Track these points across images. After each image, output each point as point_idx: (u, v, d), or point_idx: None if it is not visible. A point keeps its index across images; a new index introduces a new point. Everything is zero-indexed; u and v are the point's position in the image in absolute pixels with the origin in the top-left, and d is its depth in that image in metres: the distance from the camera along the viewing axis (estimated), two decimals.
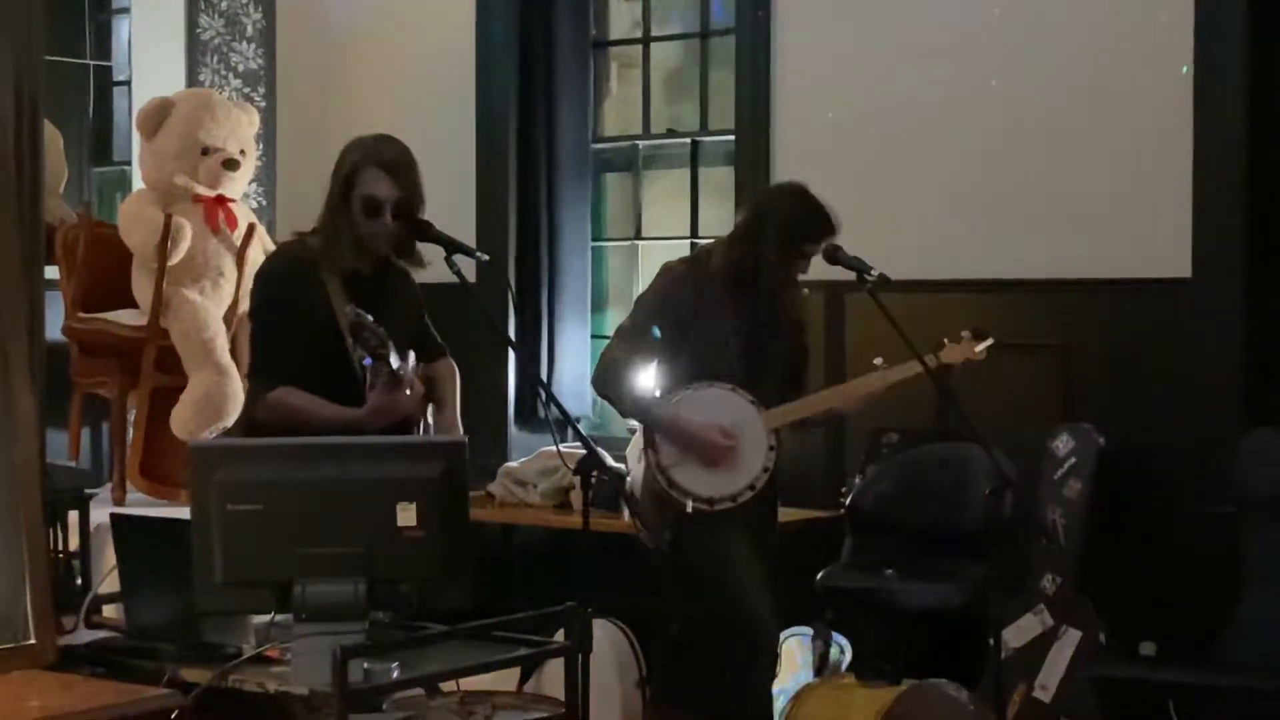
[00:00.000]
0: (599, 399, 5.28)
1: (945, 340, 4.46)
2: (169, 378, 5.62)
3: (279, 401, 3.83)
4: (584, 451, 3.95)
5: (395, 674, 3.14)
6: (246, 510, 3.10)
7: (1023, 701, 4.91)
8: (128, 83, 7.37)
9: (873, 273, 4.38)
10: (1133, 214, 5.18)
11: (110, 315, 5.73)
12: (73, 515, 4.32)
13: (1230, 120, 5.00)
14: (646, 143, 6.53)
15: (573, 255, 6.60)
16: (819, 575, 5.22)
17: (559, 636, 3.50)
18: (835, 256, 4.43)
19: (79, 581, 4.12)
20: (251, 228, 5.81)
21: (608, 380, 4.57)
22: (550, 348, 6.55)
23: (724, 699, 4.57)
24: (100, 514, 4.24)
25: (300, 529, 3.12)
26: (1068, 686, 4.87)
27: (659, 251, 6.21)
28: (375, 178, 3.87)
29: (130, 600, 3.60)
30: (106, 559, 3.90)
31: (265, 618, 3.21)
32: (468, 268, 3.84)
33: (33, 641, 3.50)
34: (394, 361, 3.74)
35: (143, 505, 5.40)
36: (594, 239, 6.66)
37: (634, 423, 4.77)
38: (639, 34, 6.56)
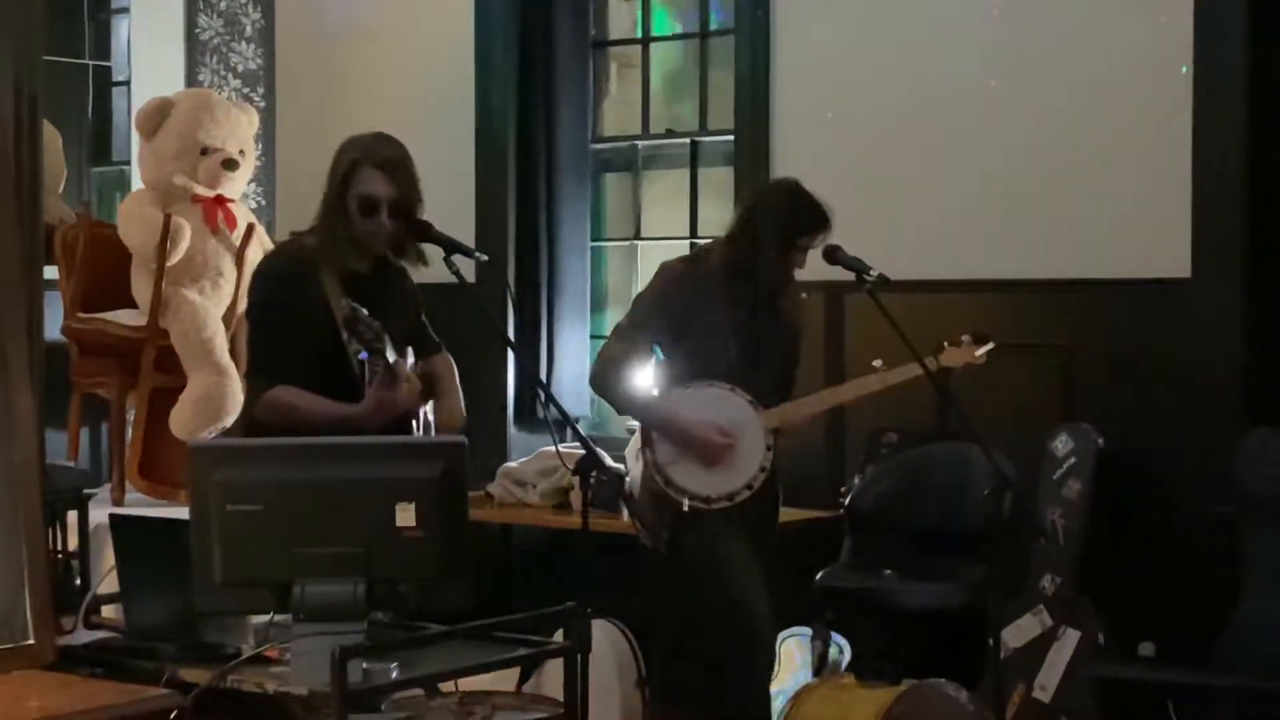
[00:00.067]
0: (598, 399, 5.28)
1: (945, 344, 4.46)
2: (168, 378, 5.62)
3: (277, 400, 3.83)
4: (583, 452, 3.94)
5: (394, 674, 3.14)
6: (246, 510, 3.10)
7: (1022, 702, 4.91)
8: (127, 83, 7.37)
9: (872, 273, 4.38)
10: (1133, 214, 5.17)
11: (109, 315, 5.73)
12: (72, 515, 4.33)
13: (1230, 120, 5.00)
14: (646, 143, 6.53)
15: (572, 255, 6.60)
16: (818, 575, 5.22)
17: (558, 637, 3.50)
18: (835, 257, 4.44)
19: (78, 582, 4.12)
20: (251, 228, 5.81)
21: (606, 379, 4.57)
22: (549, 348, 6.55)
23: (723, 699, 4.57)
24: (99, 514, 4.24)
25: (299, 529, 3.12)
26: (1067, 686, 4.87)
27: (658, 252, 6.20)
28: (372, 176, 3.87)
29: (129, 600, 3.60)
30: (106, 559, 3.89)
31: (264, 618, 3.20)
32: (467, 268, 3.84)
33: (32, 642, 3.49)
34: (390, 355, 3.73)
35: (142, 505, 5.40)
36: (593, 239, 6.66)
37: (633, 423, 4.76)
38: (639, 34, 6.56)
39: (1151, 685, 4.72)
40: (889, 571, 5.18)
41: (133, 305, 5.73)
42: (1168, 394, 5.06)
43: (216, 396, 5.51)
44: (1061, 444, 5.04)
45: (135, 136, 6.01)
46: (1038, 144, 5.34)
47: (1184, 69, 5.07)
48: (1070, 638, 4.89)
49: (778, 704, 4.72)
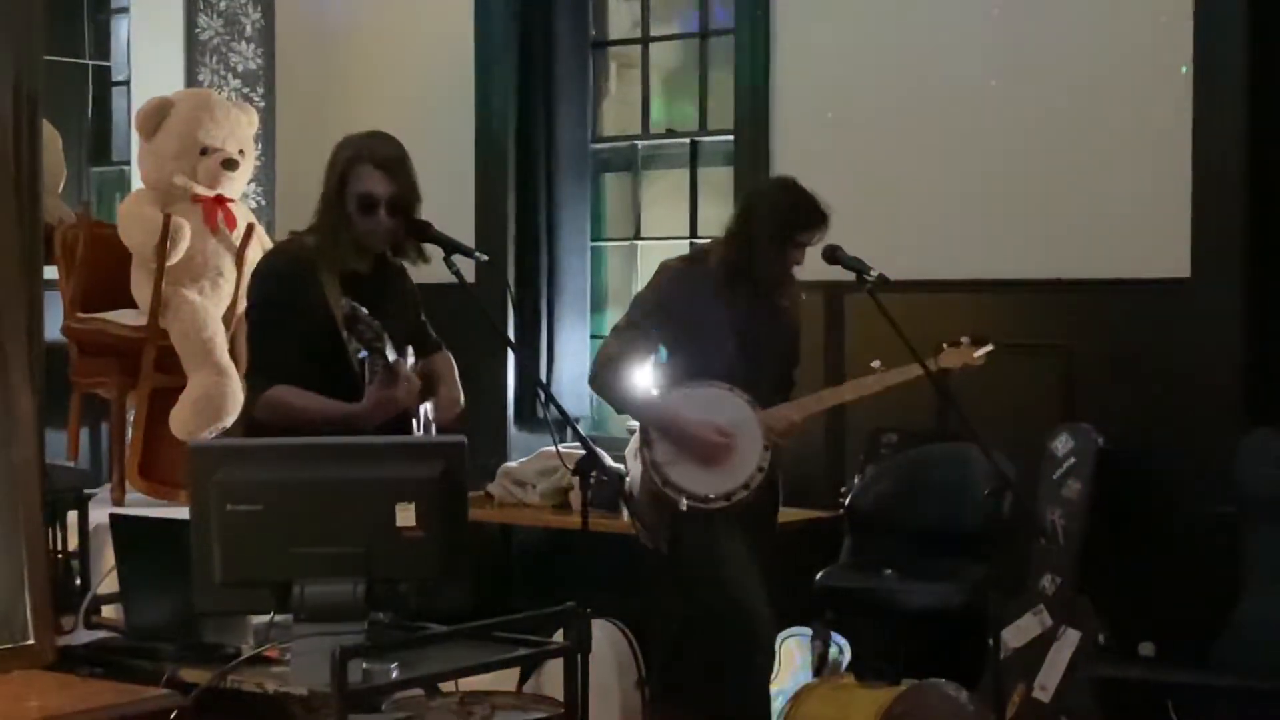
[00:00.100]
0: (598, 399, 5.28)
1: (944, 345, 4.46)
2: (168, 378, 5.62)
3: (277, 400, 3.83)
4: (583, 452, 3.95)
5: (394, 674, 3.14)
6: (246, 510, 3.10)
7: (1022, 702, 4.91)
8: (127, 83, 7.37)
9: (872, 273, 4.38)
10: (1133, 214, 5.17)
11: (109, 315, 5.73)
12: (72, 515, 4.32)
13: (1230, 120, 5.00)
14: (646, 143, 6.53)
15: (572, 255, 6.60)
16: (818, 575, 5.22)
17: (558, 637, 3.50)
18: (835, 257, 4.44)
19: (78, 582, 4.12)
20: (250, 228, 5.81)
21: (604, 378, 4.57)
22: (549, 348, 6.55)
23: (723, 699, 4.57)
24: (99, 514, 4.23)
25: (299, 529, 3.11)
26: (1067, 686, 4.87)
27: (658, 252, 6.20)
28: (369, 175, 3.87)
29: (129, 600, 3.59)
30: (106, 559, 3.89)
31: (264, 618, 3.20)
32: (467, 268, 3.84)
33: (32, 642, 3.49)
34: (389, 354, 3.73)
35: (142, 505, 5.40)
36: (593, 239, 6.66)
37: (633, 423, 4.77)
38: (638, 34, 6.56)
39: (1151, 685, 4.72)
40: (889, 571, 5.18)
41: (132, 305, 5.72)
42: (1168, 394, 5.07)
43: (216, 396, 5.51)
44: (1061, 444, 5.04)
45: (135, 136, 6.01)
46: (1038, 144, 5.34)
47: (1184, 69, 5.07)
48: (1070, 638, 4.89)
49: (777, 704, 4.72)
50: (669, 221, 6.49)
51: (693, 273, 4.60)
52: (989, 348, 4.49)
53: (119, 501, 5.57)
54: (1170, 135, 5.07)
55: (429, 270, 4.00)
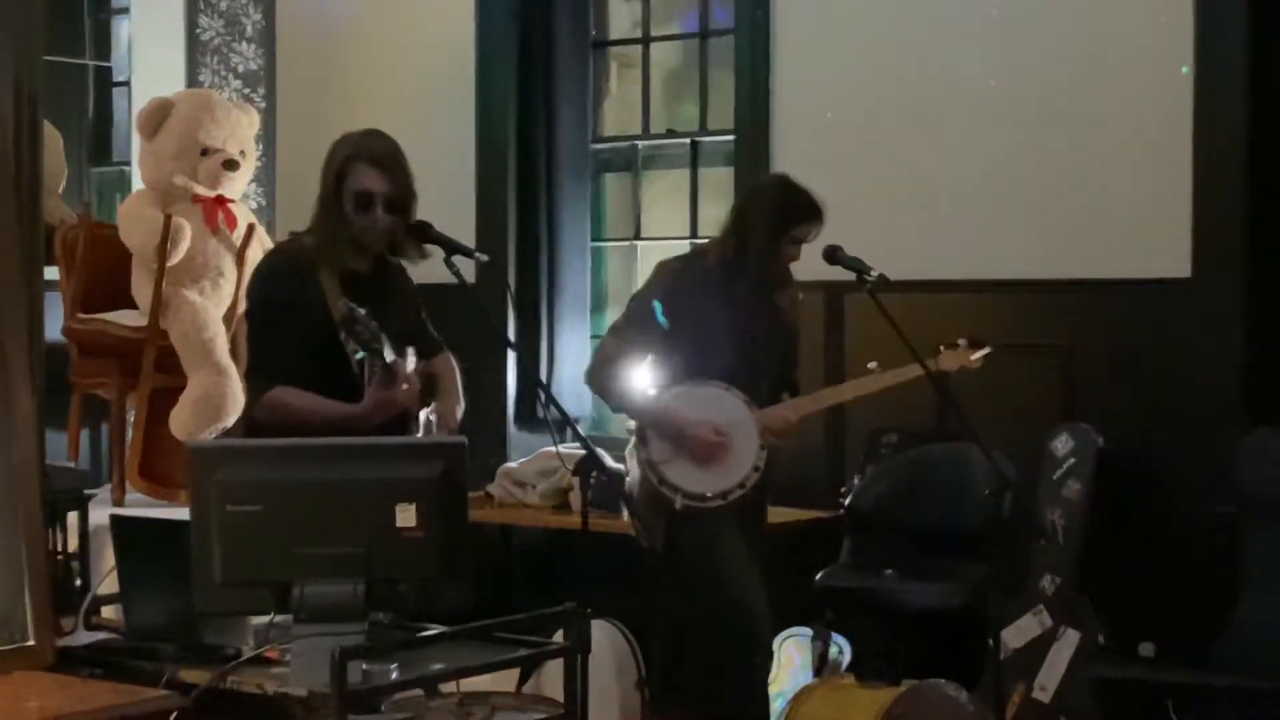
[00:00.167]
0: (598, 399, 5.28)
1: (941, 347, 4.46)
2: (168, 378, 5.62)
3: (276, 400, 3.83)
4: (583, 452, 3.95)
5: (394, 675, 3.14)
6: (246, 511, 3.10)
7: (1022, 702, 4.91)
8: (127, 83, 7.37)
9: (872, 273, 4.38)
10: (1133, 214, 5.17)
11: (110, 316, 5.73)
12: (72, 516, 4.31)
13: (1230, 120, 5.00)
14: (646, 143, 6.53)
15: (572, 255, 6.60)
16: (818, 575, 5.22)
17: (558, 637, 3.50)
18: (835, 257, 4.44)
19: (78, 582, 4.11)
20: (251, 228, 5.81)
21: (601, 376, 4.57)
22: (549, 348, 6.56)
23: (722, 699, 4.57)
24: (99, 515, 4.23)
25: (299, 530, 3.12)
26: (1067, 687, 4.87)
27: (658, 252, 6.20)
28: (366, 172, 3.88)
29: (129, 601, 3.59)
30: (106, 560, 3.89)
31: (264, 619, 3.21)
32: (467, 268, 3.84)
33: (32, 643, 3.49)
34: (388, 355, 3.74)
35: (142, 506, 5.40)
36: (593, 239, 6.66)
37: (633, 423, 4.77)
38: (638, 34, 6.57)
39: (1151, 685, 4.72)
40: (889, 571, 5.18)
41: (133, 306, 5.72)
42: (1168, 394, 5.07)
43: (217, 397, 5.51)
44: (1061, 444, 5.04)
45: (136, 137, 6.00)
46: (1038, 144, 5.34)
47: (1184, 69, 5.07)
48: (1070, 638, 4.89)
49: (777, 705, 4.72)
50: (669, 222, 6.49)
51: (691, 272, 4.61)
52: (986, 350, 4.50)
53: (119, 502, 5.57)
54: (1170, 135, 5.07)
55: (429, 270, 4.00)
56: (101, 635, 3.65)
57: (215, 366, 5.54)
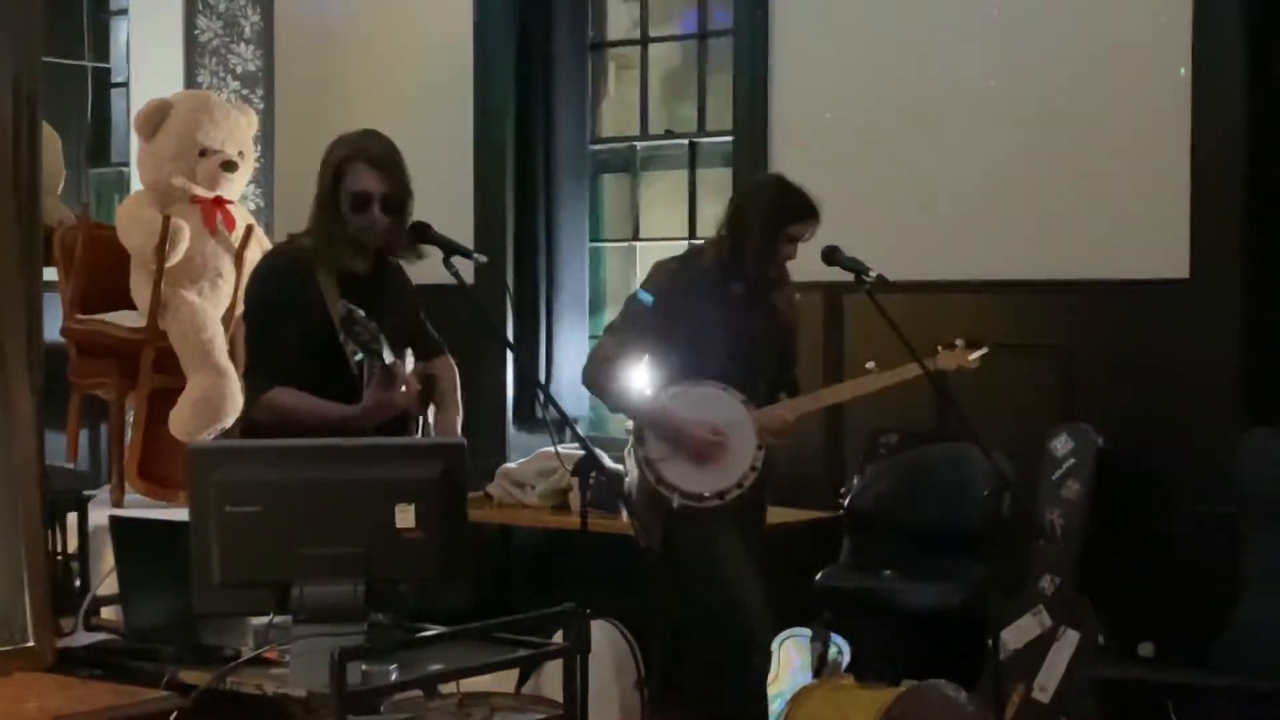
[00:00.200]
0: (597, 400, 5.28)
1: (939, 347, 4.46)
2: (167, 379, 5.62)
3: (275, 401, 3.83)
4: (582, 452, 3.95)
5: (394, 676, 3.13)
6: (245, 512, 3.10)
7: (1022, 702, 4.91)
8: (126, 84, 7.38)
9: (871, 274, 4.38)
10: (1132, 214, 5.18)
11: (108, 316, 5.72)
12: (71, 517, 4.31)
13: (1228, 121, 5.00)
14: (644, 144, 6.54)
15: (571, 256, 6.60)
16: (818, 576, 5.22)
17: (557, 638, 3.50)
18: (833, 257, 4.44)
19: (78, 583, 4.11)
20: (250, 229, 5.81)
21: (598, 375, 4.57)
22: (548, 349, 6.56)
23: (721, 699, 4.57)
24: (99, 516, 4.23)
25: (299, 530, 3.11)
26: (1067, 687, 4.87)
27: (657, 252, 6.20)
28: (363, 173, 3.88)
29: (129, 602, 3.59)
30: (105, 561, 3.89)
31: (264, 619, 3.21)
32: (466, 269, 3.84)
33: (31, 644, 3.49)
34: (387, 356, 3.74)
35: (141, 507, 5.39)
36: (592, 240, 6.66)
37: (632, 423, 4.77)
38: (637, 35, 6.57)
39: (1151, 685, 4.72)
40: (889, 572, 5.18)
41: (132, 306, 5.72)
42: (1167, 394, 5.07)
43: (215, 398, 5.50)
44: (1061, 444, 5.04)
45: (134, 138, 6.00)
46: (1037, 144, 5.34)
47: (1182, 70, 5.07)
48: (1070, 638, 4.89)
49: (776, 706, 4.72)
50: (668, 223, 6.49)
51: (687, 272, 4.61)
52: (984, 350, 4.49)
53: (118, 503, 5.57)
54: (1169, 136, 5.07)
55: (428, 271, 4.00)
56: (101, 636, 3.65)
57: (214, 367, 5.54)
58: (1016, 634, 4.95)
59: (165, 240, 5.49)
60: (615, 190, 6.69)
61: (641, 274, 6.30)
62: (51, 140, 5.98)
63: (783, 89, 5.84)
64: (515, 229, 6.51)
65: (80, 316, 5.73)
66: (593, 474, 4.03)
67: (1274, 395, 4.99)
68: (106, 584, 3.74)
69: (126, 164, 7.08)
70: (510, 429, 6.46)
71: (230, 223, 5.73)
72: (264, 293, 3.99)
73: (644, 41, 6.54)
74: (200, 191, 5.69)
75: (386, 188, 3.89)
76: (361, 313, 3.68)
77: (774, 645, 4.76)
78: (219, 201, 5.73)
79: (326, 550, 3.11)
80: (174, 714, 3.14)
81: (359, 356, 3.72)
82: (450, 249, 3.80)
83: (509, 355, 6.34)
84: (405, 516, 3.12)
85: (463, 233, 5.86)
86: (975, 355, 4.48)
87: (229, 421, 5.46)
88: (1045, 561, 4.97)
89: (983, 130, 5.44)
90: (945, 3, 5.54)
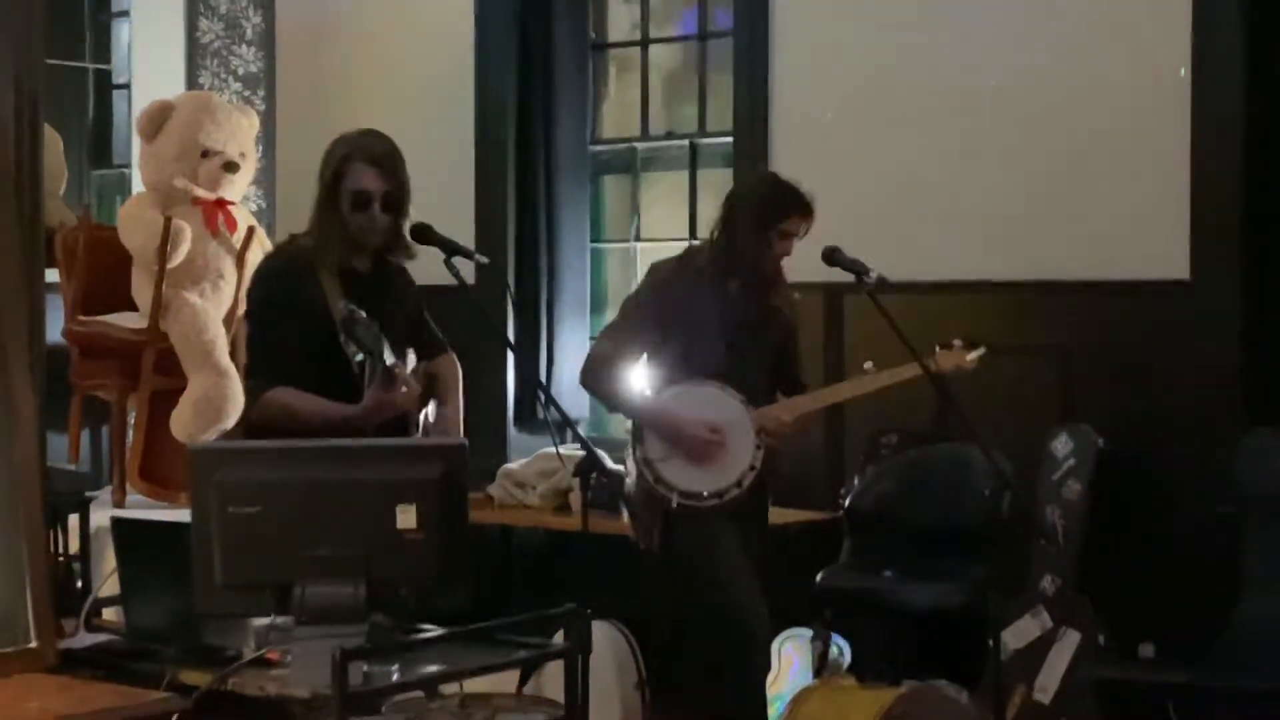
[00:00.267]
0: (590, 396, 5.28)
1: (937, 347, 4.46)
2: (168, 380, 5.62)
3: (275, 401, 3.84)
4: (583, 453, 3.95)
5: (395, 676, 3.14)
6: (246, 512, 3.10)
7: (1022, 703, 4.91)
8: (127, 86, 7.38)
9: (871, 274, 4.38)
10: (1131, 215, 5.18)
11: (110, 318, 5.73)
12: (73, 518, 4.33)
13: (1228, 122, 5.00)
14: (645, 145, 6.54)
15: (571, 257, 6.60)
16: (818, 576, 5.22)
17: (558, 638, 3.50)
18: (834, 258, 4.44)
19: (79, 584, 4.12)
20: (251, 230, 5.81)
21: (596, 375, 4.58)
22: (549, 349, 6.56)
23: (721, 699, 4.57)
24: (100, 517, 4.24)
25: (300, 531, 3.12)
26: (1067, 688, 4.87)
27: (657, 253, 6.20)
28: (363, 172, 3.89)
29: (130, 603, 3.60)
30: (107, 562, 3.90)
31: (265, 620, 3.21)
32: (466, 270, 3.84)
33: (33, 645, 3.50)
34: (387, 357, 3.74)
35: (143, 508, 5.40)
36: (592, 241, 6.66)
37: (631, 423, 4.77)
38: (637, 36, 6.57)
39: (1151, 686, 4.72)
40: (889, 572, 5.18)
41: (133, 308, 5.73)
42: (1168, 394, 5.07)
43: (217, 398, 5.51)
44: (1061, 444, 5.05)
45: (136, 139, 6.01)
46: (1036, 145, 5.34)
47: (1182, 71, 5.07)
48: (1070, 639, 4.90)
49: (776, 708, 4.72)
50: (668, 223, 6.49)
51: (684, 272, 4.62)
52: (981, 350, 4.49)
53: (119, 504, 5.57)
54: (1169, 137, 5.07)
55: (429, 272, 4.00)
56: (102, 637, 3.65)
57: (215, 368, 5.55)
58: (1017, 634, 4.95)
59: (167, 241, 5.50)
60: (616, 191, 6.69)
61: (641, 275, 6.33)
62: (53, 142, 5.99)
63: (783, 90, 5.84)
64: (516, 230, 6.52)
65: (82, 318, 5.73)
66: (594, 475, 4.04)
67: (1274, 395, 4.99)
68: (108, 585, 3.75)
69: (128, 165, 7.08)
70: (511, 430, 6.46)
71: (232, 224, 5.74)
72: (265, 293, 4.00)
73: (644, 42, 6.54)
74: (202, 193, 5.70)
75: (386, 186, 3.90)
76: (362, 314, 3.69)
77: (775, 646, 4.76)
78: (220, 203, 5.74)
79: (327, 551, 3.12)
80: (175, 715, 3.15)
81: (359, 357, 3.73)
82: (451, 249, 3.80)
83: (510, 356, 6.34)
84: (406, 517, 3.13)
85: (463, 233, 5.85)
86: (973, 355, 4.48)
87: (230, 422, 5.46)
88: (1046, 562, 4.98)
89: (982, 130, 5.44)
90: (945, 3, 5.54)
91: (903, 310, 4.34)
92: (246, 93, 6.73)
